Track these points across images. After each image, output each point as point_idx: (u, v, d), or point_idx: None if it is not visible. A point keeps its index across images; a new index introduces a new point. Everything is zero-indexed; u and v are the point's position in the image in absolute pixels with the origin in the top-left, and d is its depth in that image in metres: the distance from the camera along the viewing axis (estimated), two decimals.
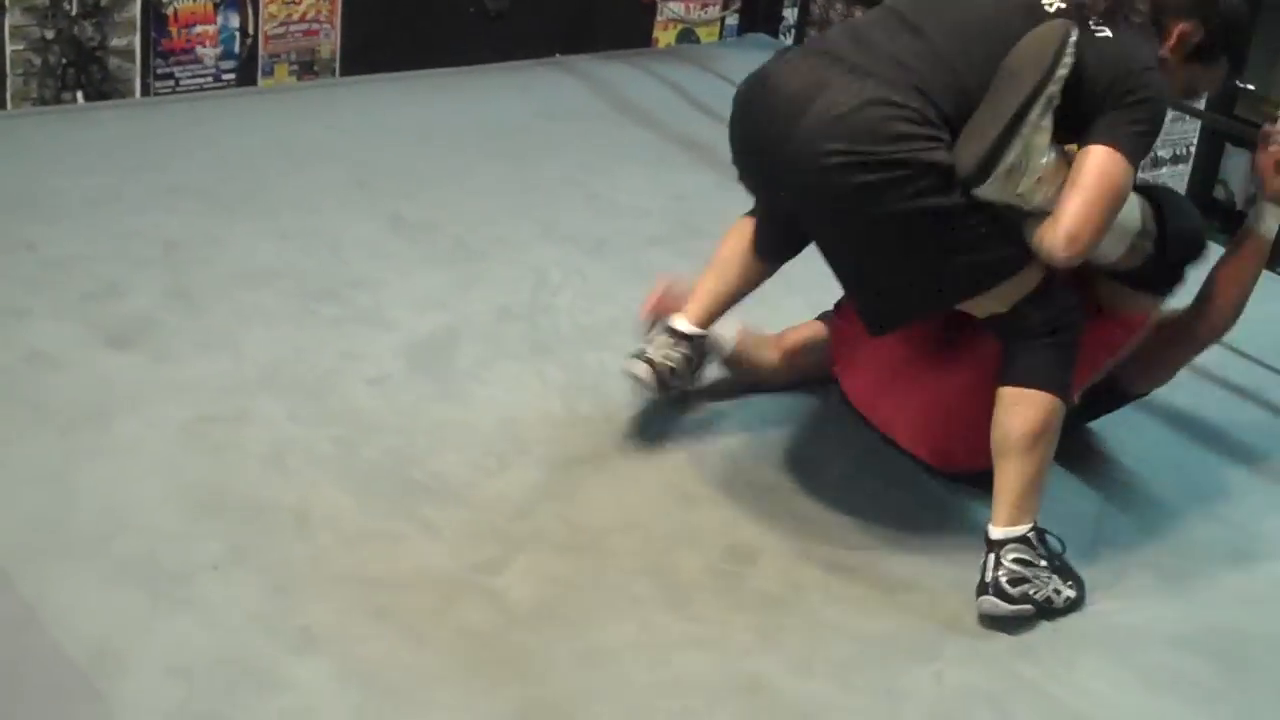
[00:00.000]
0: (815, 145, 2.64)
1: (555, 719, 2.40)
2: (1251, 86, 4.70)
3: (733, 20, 5.68)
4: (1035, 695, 2.58)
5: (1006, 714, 2.53)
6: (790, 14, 5.75)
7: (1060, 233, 2.64)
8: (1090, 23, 2.69)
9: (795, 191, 2.76)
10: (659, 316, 3.12)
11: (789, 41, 5.71)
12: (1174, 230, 2.97)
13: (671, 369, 3.03)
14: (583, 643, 2.56)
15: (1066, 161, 2.69)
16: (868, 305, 2.87)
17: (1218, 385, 3.57)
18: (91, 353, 3.19)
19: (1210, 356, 3.32)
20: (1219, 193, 4.45)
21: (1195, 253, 3.06)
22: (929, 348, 3.06)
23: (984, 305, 2.79)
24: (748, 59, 4.17)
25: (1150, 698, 2.61)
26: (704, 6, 5.58)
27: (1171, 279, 3.07)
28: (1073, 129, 2.69)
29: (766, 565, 2.81)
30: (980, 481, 2.86)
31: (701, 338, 3.10)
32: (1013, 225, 2.69)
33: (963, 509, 3.01)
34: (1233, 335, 3.16)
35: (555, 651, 2.53)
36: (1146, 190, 3.02)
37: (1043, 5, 2.72)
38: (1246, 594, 2.91)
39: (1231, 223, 4.45)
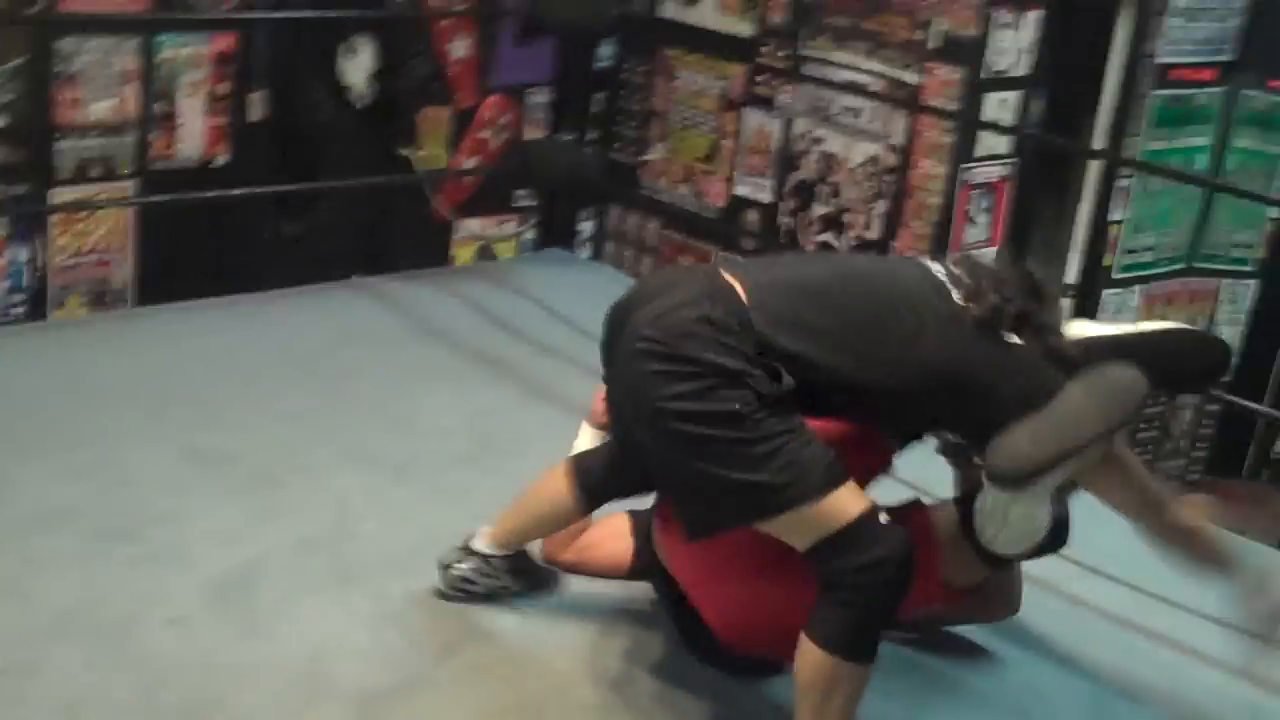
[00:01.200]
0: (634, 333, 2.70)
1: None
2: None
3: (530, 235, 5.76)
4: None
5: None
6: (587, 226, 5.85)
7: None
8: (1000, 332, 2.72)
9: (614, 384, 2.82)
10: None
11: (586, 254, 5.80)
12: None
13: (463, 580, 3.25)
14: None
15: None
16: (677, 510, 2.86)
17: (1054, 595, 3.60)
18: None
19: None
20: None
21: (1052, 544, 3.06)
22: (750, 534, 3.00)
23: (781, 533, 2.66)
24: (545, 273, 4.25)
25: None
26: (500, 223, 5.64)
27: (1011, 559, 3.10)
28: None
29: None
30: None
31: (495, 558, 3.24)
32: (798, 456, 2.60)
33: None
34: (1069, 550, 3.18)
35: None
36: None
37: (950, 293, 2.75)
38: None
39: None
